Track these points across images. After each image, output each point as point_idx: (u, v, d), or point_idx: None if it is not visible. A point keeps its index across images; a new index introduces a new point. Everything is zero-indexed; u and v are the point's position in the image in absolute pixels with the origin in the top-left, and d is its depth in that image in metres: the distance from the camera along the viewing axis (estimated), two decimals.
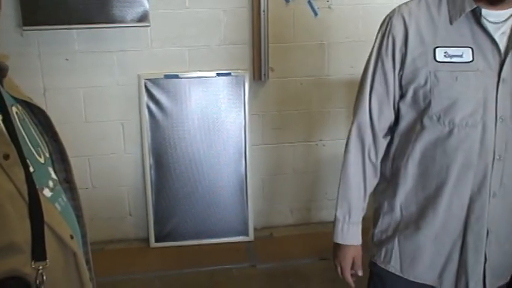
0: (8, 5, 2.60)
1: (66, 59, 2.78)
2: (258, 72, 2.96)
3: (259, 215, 3.16)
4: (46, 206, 0.90)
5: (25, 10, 2.65)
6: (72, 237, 0.95)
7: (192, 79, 2.93)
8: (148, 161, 2.96)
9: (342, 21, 2.98)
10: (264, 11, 2.87)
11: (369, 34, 2.96)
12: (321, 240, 3.11)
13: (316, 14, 2.94)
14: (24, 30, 2.64)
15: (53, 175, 1.03)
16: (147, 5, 2.73)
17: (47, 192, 0.95)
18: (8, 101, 0.98)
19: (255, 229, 3.12)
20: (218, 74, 2.94)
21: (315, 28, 2.96)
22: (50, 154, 1.07)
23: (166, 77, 2.91)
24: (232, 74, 2.95)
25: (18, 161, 0.89)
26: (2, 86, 1.01)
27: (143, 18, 2.75)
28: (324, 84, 3.05)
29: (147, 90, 2.91)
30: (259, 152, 3.08)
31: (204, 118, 2.98)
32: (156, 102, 2.92)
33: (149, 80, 2.90)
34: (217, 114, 2.98)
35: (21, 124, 0.98)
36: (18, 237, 0.84)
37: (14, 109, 0.99)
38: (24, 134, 0.97)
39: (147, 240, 3.04)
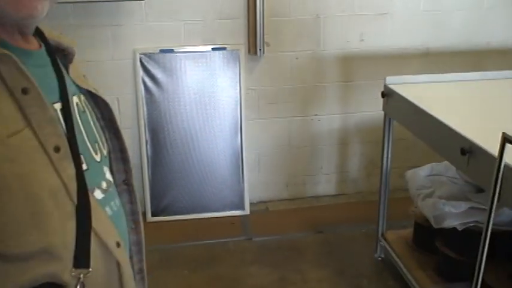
0: None
1: (60, 33, 2.76)
2: (254, 46, 2.96)
3: (255, 189, 3.19)
4: (95, 209, 0.82)
5: None
6: (118, 245, 0.87)
7: (188, 54, 2.93)
8: (144, 136, 2.98)
9: None
10: None
11: (365, 8, 2.98)
12: (316, 214, 3.17)
13: None
14: None
15: (108, 175, 0.95)
16: None
17: (98, 194, 0.88)
18: (71, 89, 0.92)
19: (251, 203, 3.16)
20: (213, 49, 2.94)
21: (310, 2, 2.95)
22: (109, 152, 0.99)
23: (162, 51, 2.91)
24: (227, 48, 2.95)
25: (70, 156, 0.81)
26: (68, 72, 0.96)
27: None
28: (319, 58, 3.05)
29: (142, 65, 2.91)
30: (254, 126, 3.10)
31: (199, 93, 2.98)
32: (152, 77, 2.92)
33: (144, 54, 2.89)
34: (212, 89, 2.99)
35: (80, 116, 0.91)
36: (57, 239, 0.77)
37: (75, 99, 0.93)
38: (82, 127, 0.90)
39: (143, 214, 3.07)
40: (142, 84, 2.92)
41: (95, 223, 0.81)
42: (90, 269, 0.79)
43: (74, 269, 0.78)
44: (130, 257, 1.03)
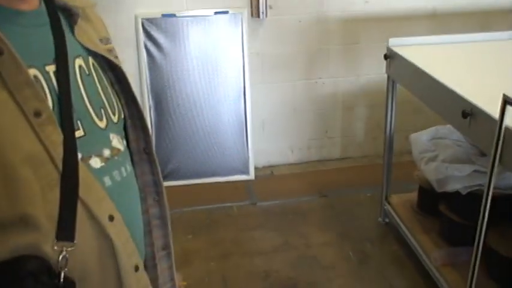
0: None
1: None
2: (256, 10, 2.91)
3: (260, 154, 3.19)
4: (86, 178, 0.77)
5: None
6: (112, 218, 0.80)
7: (190, 18, 2.89)
8: (148, 102, 2.97)
9: None
10: None
11: None
12: (320, 178, 3.17)
13: None
14: None
15: (116, 143, 0.88)
16: None
17: (95, 162, 0.82)
18: (74, 51, 0.87)
19: (256, 168, 3.16)
20: (216, 13, 2.90)
21: None
22: (125, 118, 0.94)
23: (164, 16, 2.87)
24: (230, 12, 2.91)
25: (54, 120, 0.76)
26: (73, 34, 0.90)
27: None
28: (322, 21, 3.00)
29: (145, 30, 2.88)
30: (258, 91, 3.07)
31: (202, 57, 2.96)
32: (154, 41, 2.89)
33: (146, 19, 2.86)
34: (216, 54, 2.96)
35: (83, 80, 0.86)
36: (36, 210, 0.72)
37: (79, 62, 0.88)
38: (83, 91, 0.85)
39: None
40: (145, 49, 2.90)
41: (83, 193, 0.75)
42: (75, 242, 0.74)
43: (56, 241, 0.72)
44: (149, 232, 0.99)
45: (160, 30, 2.89)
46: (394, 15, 3.00)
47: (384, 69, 2.44)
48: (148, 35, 2.89)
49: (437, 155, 2.24)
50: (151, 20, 2.87)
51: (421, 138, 2.38)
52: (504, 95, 1.48)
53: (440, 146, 2.30)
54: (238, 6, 2.90)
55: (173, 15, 2.88)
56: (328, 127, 3.23)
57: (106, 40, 0.96)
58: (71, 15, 0.88)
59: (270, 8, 2.92)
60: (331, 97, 3.15)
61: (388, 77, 2.40)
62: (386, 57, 2.36)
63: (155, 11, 2.86)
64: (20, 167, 0.71)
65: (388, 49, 2.35)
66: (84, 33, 0.89)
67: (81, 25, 0.89)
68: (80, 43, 0.88)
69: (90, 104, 0.85)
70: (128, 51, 2.89)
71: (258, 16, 2.91)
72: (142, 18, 2.86)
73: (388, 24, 2.99)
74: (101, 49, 0.92)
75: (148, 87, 2.95)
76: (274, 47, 3.02)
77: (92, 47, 0.90)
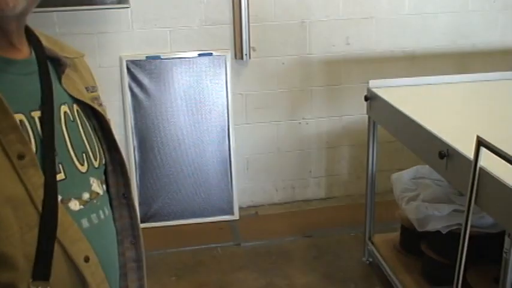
0: None
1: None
2: (240, 51, 2.97)
3: (244, 194, 3.19)
4: (64, 220, 0.79)
5: None
6: (87, 259, 0.82)
7: (174, 60, 2.94)
8: (132, 142, 2.98)
9: (321, 0, 2.98)
10: None
11: (349, 13, 2.99)
12: (304, 218, 3.17)
13: None
14: None
15: (95, 187, 0.92)
16: None
17: (73, 205, 0.85)
18: (60, 99, 0.91)
19: (240, 208, 3.16)
20: (200, 55, 2.95)
21: (295, 7, 2.97)
22: (105, 164, 0.98)
23: (148, 58, 2.91)
24: (214, 54, 2.96)
25: (36, 163, 0.79)
26: (60, 82, 0.94)
27: None
28: (305, 63, 3.06)
29: (130, 72, 2.91)
30: (242, 131, 3.10)
31: (187, 98, 2.99)
32: (139, 83, 2.93)
33: (131, 61, 2.90)
34: (200, 94, 3.00)
35: (67, 126, 0.90)
36: (14, 250, 0.74)
37: (64, 108, 0.92)
38: (66, 136, 0.89)
39: None
40: (130, 91, 2.93)
41: (60, 234, 0.78)
42: (50, 282, 0.76)
43: (32, 281, 0.75)
44: (125, 275, 1.01)
45: (145, 72, 2.93)
46: (375, 56, 3.07)
47: (365, 109, 2.49)
48: (133, 77, 2.92)
49: (418, 194, 2.26)
50: (136, 62, 2.91)
51: (402, 178, 2.41)
52: (478, 136, 1.52)
53: (420, 186, 2.32)
54: (222, 48, 2.96)
55: (158, 57, 2.92)
56: (312, 167, 3.25)
57: (92, 88, 1.01)
58: (60, 65, 0.92)
59: (253, 50, 2.98)
60: (314, 137, 3.18)
61: (369, 118, 2.44)
62: (366, 98, 2.40)
63: (140, 53, 2.90)
64: (1, 207, 0.73)
65: (368, 90, 2.40)
66: (70, 82, 0.94)
67: (68, 74, 0.95)
68: (66, 91, 0.91)
69: (73, 149, 0.88)
70: (113, 92, 2.92)
71: (242, 58, 2.97)
72: (127, 60, 2.90)
73: (369, 66, 3.06)
74: (85, 97, 0.96)
75: (133, 127, 2.97)
76: (258, 88, 3.07)
77: (77, 95, 0.95)
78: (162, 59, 2.93)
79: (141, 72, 2.92)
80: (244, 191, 3.19)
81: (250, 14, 2.91)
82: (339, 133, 3.20)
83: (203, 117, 3.03)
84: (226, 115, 3.03)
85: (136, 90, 2.93)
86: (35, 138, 0.82)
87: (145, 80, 2.93)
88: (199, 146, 3.04)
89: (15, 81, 0.83)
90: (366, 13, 3.02)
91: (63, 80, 0.93)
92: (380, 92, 2.31)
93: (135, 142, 2.99)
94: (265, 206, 3.26)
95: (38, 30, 0.99)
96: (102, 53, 2.86)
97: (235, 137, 3.06)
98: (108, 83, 2.91)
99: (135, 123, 2.97)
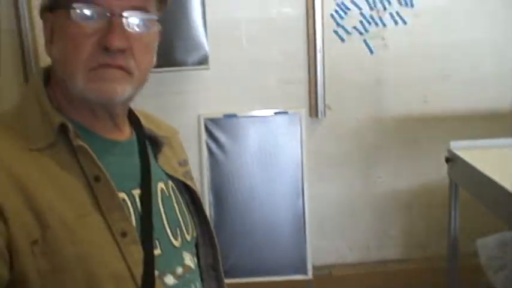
0: None
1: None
2: (315, 110, 2.99)
3: (317, 253, 3.14)
4: None
5: None
6: None
7: (250, 118, 3.00)
8: (208, 198, 3.03)
9: (397, 58, 2.98)
10: (320, 51, 2.92)
11: (425, 71, 2.97)
12: (380, 280, 3.06)
13: (371, 52, 2.96)
14: None
15: (188, 261, 0.97)
16: (207, 49, 2.83)
17: (169, 279, 0.90)
18: (157, 176, 0.98)
19: (314, 267, 3.10)
20: (276, 113, 3.00)
21: (371, 65, 2.98)
22: (197, 237, 1.03)
23: (225, 116, 2.99)
24: (289, 112, 3.00)
25: (137, 241, 0.85)
26: (156, 160, 1.02)
27: (203, 60, 2.86)
28: (381, 120, 3.04)
29: (207, 130, 3.00)
30: (317, 188, 3.08)
31: (262, 155, 3.03)
32: (216, 140, 3.00)
33: (209, 119, 2.99)
34: (275, 152, 3.03)
35: (163, 202, 0.96)
36: None
37: (161, 185, 0.98)
38: (163, 212, 0.95)
39: None
40: (207, 147, 3.00)
41: None
42: None
43: None
44: None
45: (222, 130, 3.00)
46: (454, 115, 3.00)
47: (444, 169, 2.42)
48: (210, 134, 3.00)
49: (506, 263, 2.14)
50: (213, 120, 3.00)
51: (488, 244, 2.30)
52: None
53: (508, 254, 2.20)
54: (297, 107, 2.99)
55: (234, 116, 2.99)
56: (387, 227, 3.17)
57: (184, 162, 1.08)
58: (157, 144, 0.99)
59: (328, 108, 3.00)
60: (390, 196, 3.11)
61: (450, 180, 2.37)
62: (447, 159, 2.34)
63: (217, 111, 2.99)
64: (106, 282, 0.80)
65: (449, 152, 2.34)
66: (166, 160, 1.03)
67: (164, 152, 1.02)
68: (162, 169, 0.97)
69: (168, 224, 0.95)
70: (190, 149, 3.00)
71: (317, 116, 2.99)
72: (205, 118, 2.99)
73: (448, 125, 2.99)
74: (179, 174, 1.04)
75: (209, 183, 3.02)
76: (332, 146, 3.06)
77: (172, 172, 1.03)
78: (238, 117, 2.99)
79: (218, 130, 3.00)
80: (318, 250, 3.14)
81: (325, 72, 2.95)
82: (416, 193, 3.11)
83: (277, 174, 3.04)
84: (300, 173, 3.04)
85: (213, 147, 3.00)
86: (135, 214, 0.89)
87: (222, 138, 3.00)
88: (273, 203, 3.05)
89: (118, 162, 0.91)
90: (445, 70, 2.98)
91: (159, 158, 1.00)
92: (462, 154, 2.25)
93: (210, 198, 3.04)
94: (338, 265, 3.19)
95: (138, 109, 1.06)
96: (181, 111, 2.97)
97: (309, 195, 3.04)
98: (186, 140, 2.97)
99: (211, 180, 3.03)
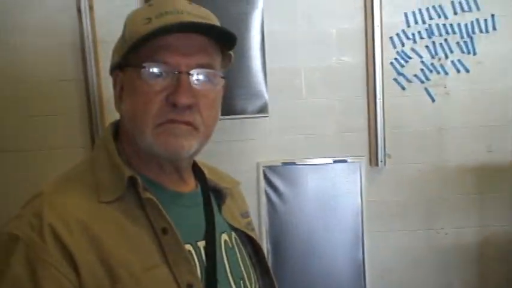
0: None
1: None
2: (375, 158, 2.95)
3: None
4: None
5: None
6: None
7: (309, 166, 2.99)
8: (266, 246, 3.00)
9: (460, 106, 2.93)
10: (379, 99, 2.91)
11: (489, 119, 2.90)
12: None
13: (433, 100, 2.93)
14: None
15: None
16: (266, 97, 2.87)
17: None
18: (221, 227, 1.00)
19: None
20: (335, 161, 2.98)
21: (432, 114, 2.94)
22: None
23: (284, 164, 2.99)
24: (348, 160, 2.97)
25: None
26: (220, 211, 1.05)
27: (263, 109, 2.89)
28: (443, 170, 2.97)
29: (266, 177, 3.00)
30: (377, 238, 3.01)
31: (320, 204, 2.99)
32: (274, 188, 2.99)
33: (268, 167, 2.99)
34: (334, 200, 2.99)
35: (227, 253, 0.98)
36: None
37: (224, 237, 1.00)
38: (226, 263, 0.97)
39: None
40: (265, 195, 3.00)
41: None
42: None
43: None
44: None
45: (280, 177, 3.00)
46: None
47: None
48: (269, 182, 3.00)
49: None
50: (271, 168, 3.00)
51: None
52: None
53: None
54: (356, 155, 2.96)
55: (293, 163, 2.99)
56: (451, 280, 3.04)
57: (246, 214, 1.10)
58: (220, 195, 1.01)
59: (389, 157, 2.96)
60: (455, 248, 3.00)
61: None
62: None
63: (276, 159, 2.99)
64: None
65: None
66: (229, 211, 1.04)
67: (227, 203, 1.04)
68: (225, 220, 0.98)
69: (232, 276, 0.96)
70: (249, 196, 2.98)
71: (377, 165, 2.95)
72: (263, 166, 2.99)
73: None
74: (241, 225, 1.06)
75: (267, 231, 3.00)
76: (393, 195, 3.00)
77: (235, 223, 1.05)
78: (297, 164, 2.99)
79: (277, 178, 2.99)
80: None
81: (385, 120, 2.92)
82: (482, 245, 2.99)
83: (336, 223, 2.99)
84: (360, 222, 2.98)
85: (272, 195, 3.00)
86: (200, 266, 0.91)
87: (280, 185, 2.99)
88: (332, 252, 2.99)
89: (184, 213, 0.93)
90: (509, 118, 2.91)
91: (223, 209, 1.02)
92: None
93: (268, 246, 3.01)
94: None
95: (201, 161, 1.09)
96: (240, 159, 2.99)
97: (369, 245, 2.97)
98: (244, 187, 2.98)
99: (270, 228, 3.00)
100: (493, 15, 2.87)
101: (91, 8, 2.86)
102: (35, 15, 2.85)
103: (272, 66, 2.89)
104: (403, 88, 2.92)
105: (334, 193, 2.99)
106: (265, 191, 3.00)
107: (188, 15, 0.96)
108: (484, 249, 3.00)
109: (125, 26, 1.02)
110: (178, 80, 0.93)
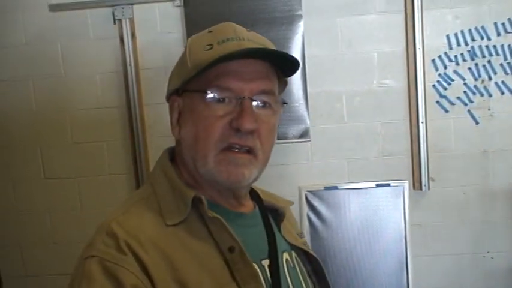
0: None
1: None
2: (419, 182, 2.93)
3: None
4: None
5: None
6: None
7: (351, 190, 2.97)
8: None
9: (504, 128, 2.89)
10: (422, 122, 2.88)
11: None
12: None
13: (477, 122, 2.89)
14: None
15: None
16: (308, 122, 2.87)
17: None
18: (281, 246, 1.01)
19: None
20: (377, 185, 2.96)
21: (476, 136, 2.90)
22: None
23: (326, 188, 2.98)
24: (391, 184, 2.95)
25: None
26: (280, 230, 1.05)
27: (304, 134, 2.89)
28: (488, 193, 2.92)
29: (308, 202, 2.99)
30: (421, 263, 2.97)
31: (363, 228, 2.97)
32: (316, 213, 2.98)
33: (309, 191, 2.98)
34: (377, 225, 2.96)
35: (289, 272, 0.99)
36: None
37: (285, 256, 1.01)
38: (290, 283, 0.98)
39: None
40: (308, 220, 2.98)
41: None
42: None
43: None
44: None
45: (323, 202, 2.98)
46: None
47: None
48: (311, 206, 2.99)
49: None
50: (314, 192, 2.99)
51: None
52: None
53: None
54: (399, 179, 2.94)
55: (335, 188, 2.98)
56: None
57: (301, 234, 1.10)
58: (278, 215, 1.02)
59: (433, 180, 2.93)
60: (502, 272, 2.95)
61: None
62: None
63: (318, 184, 2.98)
64: None
65: None
66: (287, 230, 1.07)
67: (285, 223, 1.04)
68: (284, 239, 0.97)
69: None
70: None
71: (420, 188, 2.92)
72: (305, 191, 2.98)
73: None
74: (300, 243, 1.07)
75: None
76: (438, 219, 2.97)
77: (294, 242, 1.06)
78: (339, 189, 2.97)
79: (319, 202, 2.98)
80: None
81: (428, 143, 2.90)
82: None
83: (380, 247, 2.96)
84: (404, 246, 2.95)
85: (314, 219, 2.98)
86: (266, 285, 0.91)
87: (322, 210, 2.98)
88: (376, 277, 2.96)
89: (246, 233, 0.95)
90: None
91: (282, 229, 1.02)
92: None
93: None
94: None
95: (253, 185, 1.11)
96: (282, 183, 2.98)
97: (414, 270, 2.94)
98: None
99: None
100: None
101: (133, 35, 2.90)
102: (78, 45, 2.89)
103: (313, 90, 2.89)
104: (446, 111, 2.90)
105: (377, 218, 2.96)
106: (308, 216, 2.99)
107: (249, 41, 0.98)
108: None
109: (186, 52, 1.03)
110: (242, 105, 0.94)
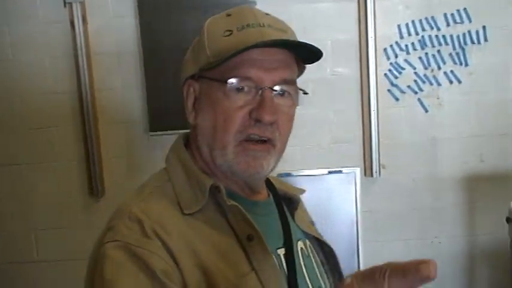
0: (137, 113, 2.85)
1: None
2: (370, 169, 2.98)
3: None
4: None
5: (152, 117, 2.88)
6: None
7: (304, 177, 3.00)
8: None
9: (453, 117, 2.97)
10: (374, 110, 2.93)
11: (481, 129, 2.94)
12: None
13: (426, 110, 2.96)
14: (150, 135, 2.85)
15: None
16: None
17: None
18: (296, 235, 1.00)
19: None
20: (330, 172, 2.99)
21: (425, 125, 2.97)
22: None
23: (280, 175, 2.99)
24: (343, 171, 2.99)
25: None
26: (293, 219, 1.04)
27: None
28: (437, 180, 3.00)
29: None
30: (372, 248, 3.03)
31: (316, 214, 2.95)
32: None
33: None
34: (329, 210, 3.00)
35: (304, 261, 0.98)
36: None
37: (300, 244, 1.00)
38: (305, 272, 0.97)
39: None
40: None
41: None
42: None
43: None
44: None
45: None
46: None
47: (505, 230, 2.37)
48: None
49: None
50: None
51: None
52: None
53: None
54: (351, 166, 2.98)
55: (289, 175, 2.99)
56: None
57: (313, 222, 1.09)
58: (291, 203, 1.01)
59: (383, 167, 2.98)
60: (448, 257, 3.04)
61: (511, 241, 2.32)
62: (508, 220, 2.31)
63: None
64: None
65: (510, 212, 2.29)
66: (300, 218, 1.06)
67: (298, 211, 1.03)
68: (299, 227, 0.98)
69: (311, 283, 0.96)
70: None
71: (371, 175, 2.97)
72: None
73: (506, 184, 2.93)
74: (313, 232, 1.02)
75: None
76: (387, 205, 3.03)
77: (308, 230, 1.03)
78: (292, 176, 3.00)
79: None
80: None
81: (380, 131, 2.95)
82: (476, 254, 3.03)
83: (332, 233, 2.95)
84: (355, 232, 3.00)
85: None
86: (282, 273, 0.91)
87: None
88: None
89: (262, 221, 0.93)
90: (501, 129, 2.96)
91: (295, 217, 1.02)
92: None
93: None
94: None
95: None
96: None
97: (365, 255, 2.99)
98: None
99: None
100: (484, 27, 2.90)
101: (84, 19, 2.84)
102: (27, 28, 2.82)
103: None
104: (397, 99, 2.95)
105: (329, 203, 3.00)
106: None
107: (269, 28, 0.95)
108: (479, 259, 3.04)
109: (204, 36, 0.98)
110: (262, 96, 0.93)
